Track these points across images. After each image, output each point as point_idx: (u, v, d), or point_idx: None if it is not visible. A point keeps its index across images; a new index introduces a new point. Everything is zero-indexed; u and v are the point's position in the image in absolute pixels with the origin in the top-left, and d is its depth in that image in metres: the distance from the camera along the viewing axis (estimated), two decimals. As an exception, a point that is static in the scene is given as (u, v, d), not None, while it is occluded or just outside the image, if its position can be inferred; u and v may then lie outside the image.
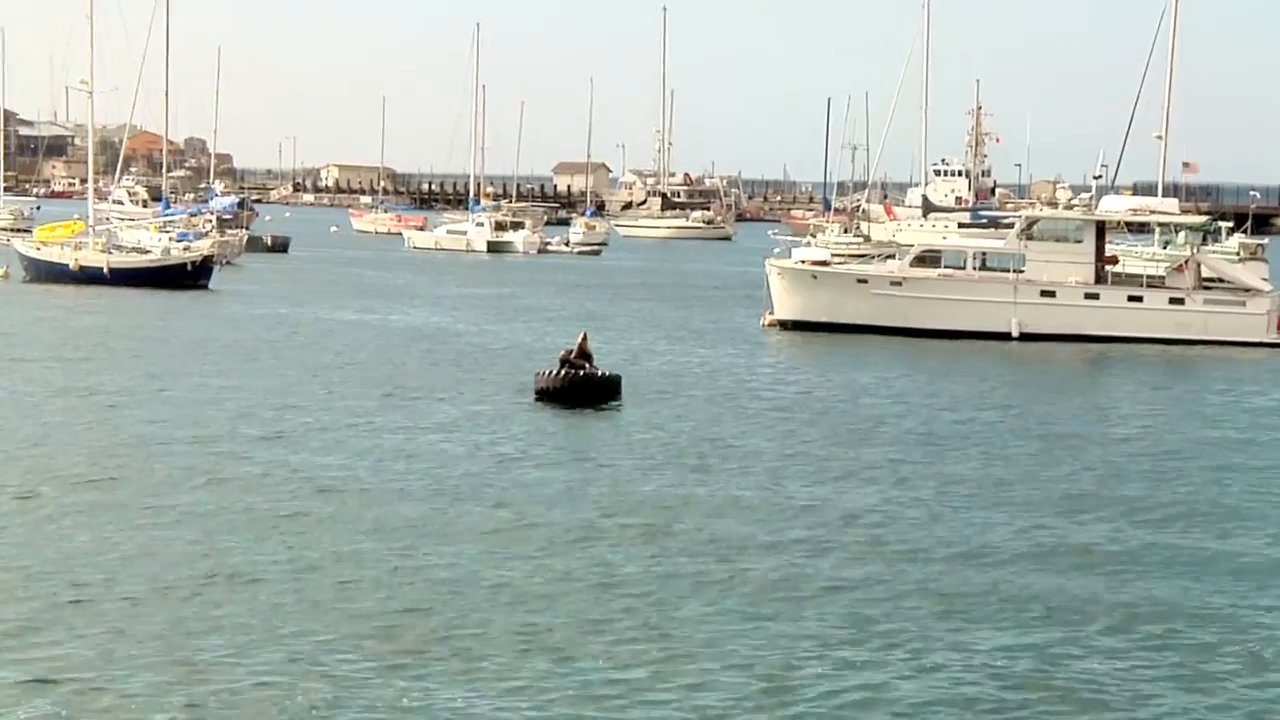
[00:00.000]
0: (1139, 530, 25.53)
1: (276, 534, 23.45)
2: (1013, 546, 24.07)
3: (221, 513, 24.68)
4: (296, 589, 20.40)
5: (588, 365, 38.02)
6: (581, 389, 37.27)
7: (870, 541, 24.16)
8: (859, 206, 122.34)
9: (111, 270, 68.62)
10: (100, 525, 23.68)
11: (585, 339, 39.25)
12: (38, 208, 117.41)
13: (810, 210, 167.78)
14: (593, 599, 20.35)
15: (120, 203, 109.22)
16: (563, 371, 37.49)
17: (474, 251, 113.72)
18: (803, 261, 60.39)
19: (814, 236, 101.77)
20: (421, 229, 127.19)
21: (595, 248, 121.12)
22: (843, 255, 78.37)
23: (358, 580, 20.91)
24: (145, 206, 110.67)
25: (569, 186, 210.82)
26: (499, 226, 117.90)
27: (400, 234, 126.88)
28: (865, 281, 58.55)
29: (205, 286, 68.27)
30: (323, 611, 19.40)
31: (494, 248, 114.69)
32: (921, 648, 18.60)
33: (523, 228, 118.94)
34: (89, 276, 68.10)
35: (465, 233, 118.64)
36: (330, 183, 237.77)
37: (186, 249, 72.36)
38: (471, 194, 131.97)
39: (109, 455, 29.33)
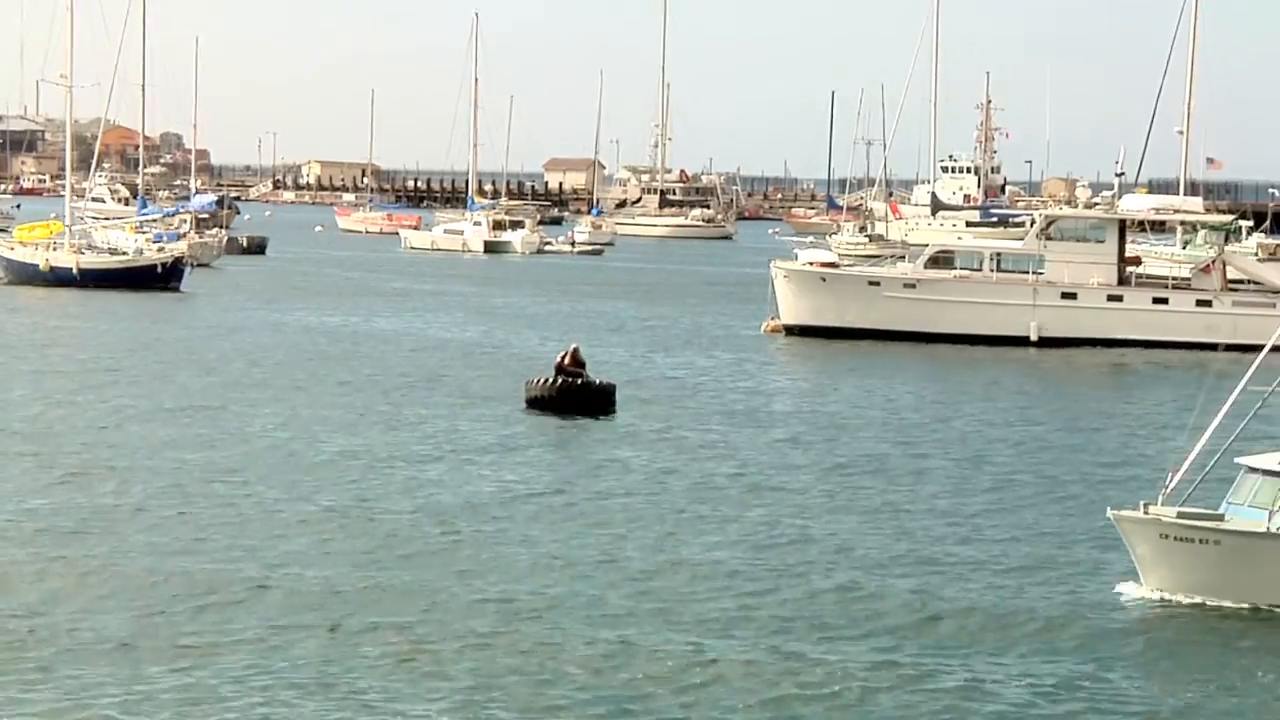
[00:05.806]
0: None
1: (266, 560, 22.60)
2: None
3: (209, 538, 23.85)
4: (312, 617, 19.89)
5: (583, 373, 37.39)
6: (575, 398, 36.39)
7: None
8: (862, 204, 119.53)
9: (81, 271, 67.21)
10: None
11: (577, 351, 38.18)
12: (18, 206, 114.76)
13: (812, 208, 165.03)
14: (585, 626, 19.85)
15: (101, 200, 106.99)
16: (557, 380, 36.85)
17: (470, 252, 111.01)
18: (810, 264, 58.64)
19: (829, 236, 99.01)
20: (415, 228, 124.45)
21: (599, 248, 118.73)
22: (849, 257, 75.97)
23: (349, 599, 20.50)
24: (127, 205, 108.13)
25: (560, 184, 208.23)
26: (497, 226, 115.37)
27: (396, 234, 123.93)
28: (877, 284, 56.76)
29: (176, 289, 66.74)
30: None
31: (491, 248, 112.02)
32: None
33: (522, 227, 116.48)
34: (59, 278, 66.75)
35: (462, 232, 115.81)
36: (311, 179, 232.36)
37: (161, 250, 70.03)
38: (470, 191, 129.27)
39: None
